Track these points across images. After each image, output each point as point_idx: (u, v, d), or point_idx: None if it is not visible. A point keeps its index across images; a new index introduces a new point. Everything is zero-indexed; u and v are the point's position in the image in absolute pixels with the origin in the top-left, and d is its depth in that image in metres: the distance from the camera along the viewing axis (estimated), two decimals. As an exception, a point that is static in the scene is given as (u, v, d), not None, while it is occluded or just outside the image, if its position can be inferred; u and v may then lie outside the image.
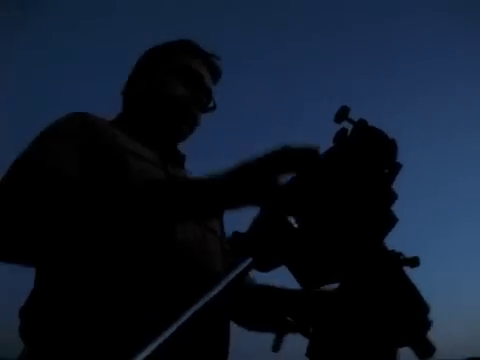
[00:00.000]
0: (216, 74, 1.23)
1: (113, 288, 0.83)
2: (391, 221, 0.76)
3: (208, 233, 1.03)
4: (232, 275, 0.64)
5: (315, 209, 0.74)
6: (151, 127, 1.13)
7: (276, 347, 0.73)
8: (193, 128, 1.18)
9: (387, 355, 0.75)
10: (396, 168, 0.80)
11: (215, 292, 0.62)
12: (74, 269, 0.86)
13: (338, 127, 0.83)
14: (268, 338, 0.74)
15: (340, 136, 0.83)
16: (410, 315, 0.76)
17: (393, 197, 0.78)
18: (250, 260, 0.66)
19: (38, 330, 0.85)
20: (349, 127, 0.84)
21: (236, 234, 0.69)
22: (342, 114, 0.83)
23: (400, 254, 0.76)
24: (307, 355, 0.72)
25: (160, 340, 0.57)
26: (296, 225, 0.69)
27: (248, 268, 0.66)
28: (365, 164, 0.79)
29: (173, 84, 1.13)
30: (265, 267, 0.67)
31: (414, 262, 0.76)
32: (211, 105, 1.21)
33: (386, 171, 0.80)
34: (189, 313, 0.61)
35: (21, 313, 0.90)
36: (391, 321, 0.75)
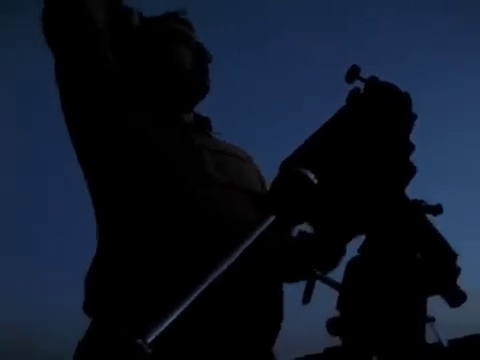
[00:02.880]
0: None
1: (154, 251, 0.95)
2: (410, 171, 0.77)
3: (235, 192, 1.06)
4: (255, 234, 0.66)
5: (335, 165, 0.75)
6: (168, 98, 1.15)
7: (306, 299, 0.75)
8: (206, 94, 1.19)
9: (417, 305, 0.75)
10: (411, 119, 0.81)
11: (239, 251, 0.64)
12: (119, 237, 0.99)
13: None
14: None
15: (353, 95, 0.84)
16: (438, 263, 0.77)
17: (411, 148, 0.79)
18: (273, 218, 0.67)
19: (101, 301, 0.96)
20: (361, 86, 0.85)
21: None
22: (353, 73, 0.83)
23: (421, 202, 0.76)
24: (338, 308, 0.74)
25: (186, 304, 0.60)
26: (316, 181, 0.70)
27: (271, 226, 0.67)
28: (380, 119, 0.80)
29: (182, 53, 1.16)
30: (288, 224, 0.69)
31: (437, 210, 0.76)
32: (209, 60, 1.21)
33: (402, 123, 0.81)
34: (212, 276, 0.63)
35: (86, 284, 1.01)
36: (419, 270, 0.76)
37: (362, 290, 0.74)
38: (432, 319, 0.77)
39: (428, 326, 0.76)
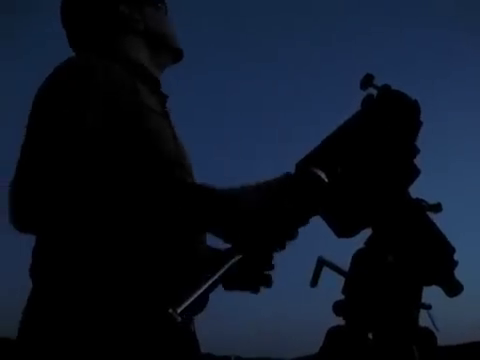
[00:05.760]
0: None
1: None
2: (414, 173, 0.85)
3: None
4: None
5: (346, 166, 0.84)
6: (152, 65, 1.18)
7: (313, 283, 0.84)
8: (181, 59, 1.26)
9: (414, 294, 0.84)
10: (418, 126, 0.89)
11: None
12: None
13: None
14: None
15: (367, 101, 0.92)
16: (436, 256, 0.85)
17: (416, 151, 0.87)
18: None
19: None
20: (374, 92, 0.93)
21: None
22: (367, 81, 0.92)
23: (422, 201, 0.84)
24: (343, 292, 0.83)
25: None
26: (327, 180, 0.79)
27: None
28: (391, 124, 0.88)
29: (167, 23, 1.23)
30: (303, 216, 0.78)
31: (437, 208, 0.84)
32: None
33: (410, 128, 0.89)
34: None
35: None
36: (420, 262, 0.85)
37: (366, 278, 0.83)
38: (429, 306, 0.86)
39: (425, 312, 0.85)
